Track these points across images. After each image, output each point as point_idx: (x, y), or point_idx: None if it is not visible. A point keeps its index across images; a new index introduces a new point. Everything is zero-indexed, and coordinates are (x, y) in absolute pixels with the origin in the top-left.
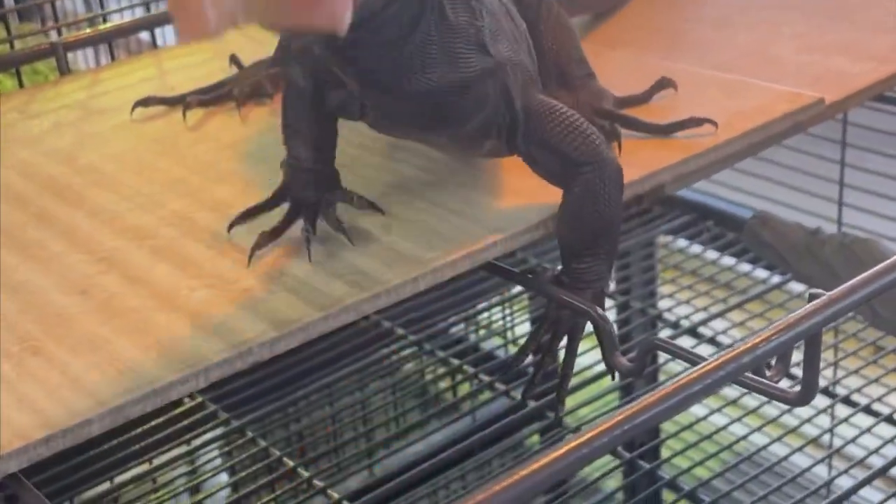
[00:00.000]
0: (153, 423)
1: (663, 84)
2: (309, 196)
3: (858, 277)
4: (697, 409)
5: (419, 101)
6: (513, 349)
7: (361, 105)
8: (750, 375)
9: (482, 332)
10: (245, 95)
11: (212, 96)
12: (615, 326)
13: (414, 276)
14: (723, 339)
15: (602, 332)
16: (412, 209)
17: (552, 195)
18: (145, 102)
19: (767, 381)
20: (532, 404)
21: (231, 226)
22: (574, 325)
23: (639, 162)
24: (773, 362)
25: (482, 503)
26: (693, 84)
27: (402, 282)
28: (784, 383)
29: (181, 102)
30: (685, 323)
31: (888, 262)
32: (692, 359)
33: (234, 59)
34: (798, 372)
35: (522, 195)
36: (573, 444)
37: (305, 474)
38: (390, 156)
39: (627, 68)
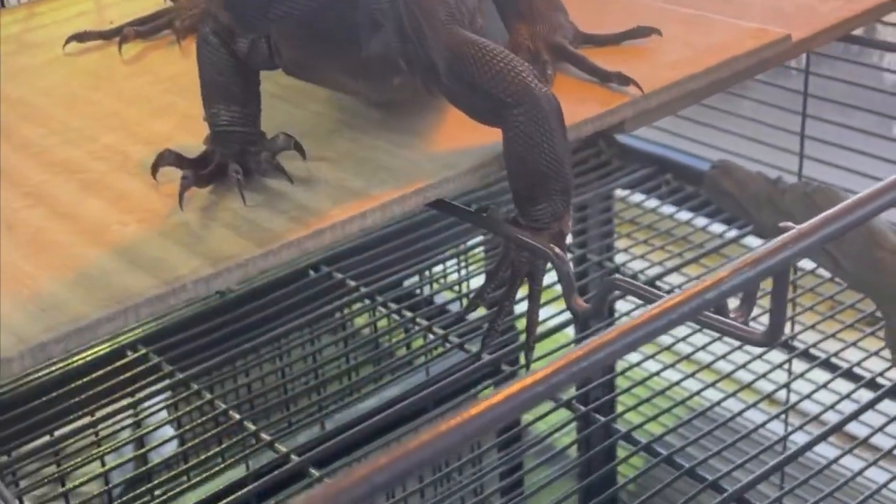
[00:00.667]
0: (94, 375)
1: (639, 32)
2: (235, 151)
3: (828, 211)
4: (652, 365)
5: (319, 27)
6: (467, 303)
7: (269, 48)
8: (713, 315)
9: (436, 285)
10: (185, 27)
11: (150, 27)
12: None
13: (362, 212)
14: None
15: (560, 274)
16: (361, 145)
17: None
18: (81, 37)
19: (732, 321)
20: (486, 357)
21: (155, 167)
22: (533, 268)
23: (599, 97)
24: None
25: (430, 443)
26: (657, 20)
27: (348, 217)
28: None
29: (118, 35)
30: (642, 277)
31: (858, 196)
32: (652, 298)
33: None
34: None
35: (477, 130)
36: (536, 377)
37: (252, 428)
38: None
39: (587, 4)
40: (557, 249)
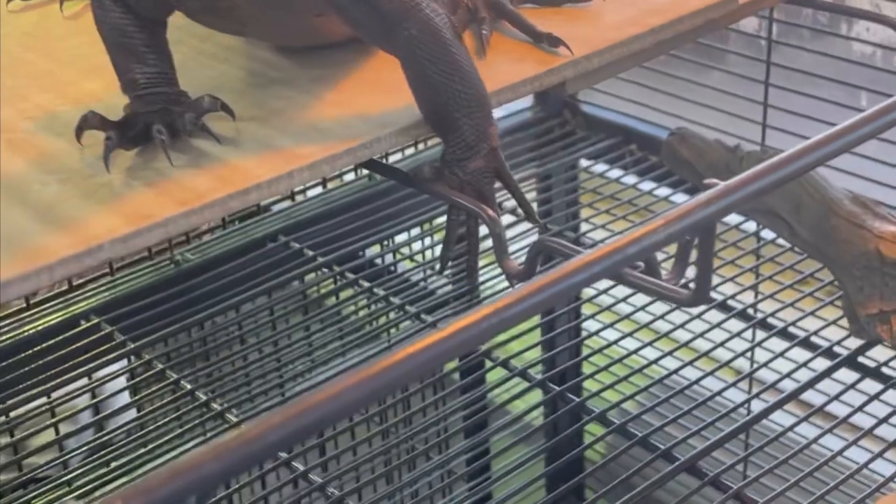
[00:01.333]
0: (45, 344)
1: None
2: (159, 111)
3: (755, 168)
4: (610, 334)
5: None
6: (429, 273)
7: None
8: (638, 274)
9: (397, 255)
10: None
11: None
12: (504, 228)
13: (289, 171)
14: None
15: (492, 234)
16: (292, 104)
17: None
18: None
19: (657, 280)
20: (441, 327)
21: (79, 130)
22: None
23: (538, 58)
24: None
25: (330, 399)
26: None
27: (275, 177)
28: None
29: None
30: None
31: (786, 153)
32: None
33: None
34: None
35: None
36: (442, 334)
37: (203, 398)
38: (274, 50)
39: None
40: (490, 211)
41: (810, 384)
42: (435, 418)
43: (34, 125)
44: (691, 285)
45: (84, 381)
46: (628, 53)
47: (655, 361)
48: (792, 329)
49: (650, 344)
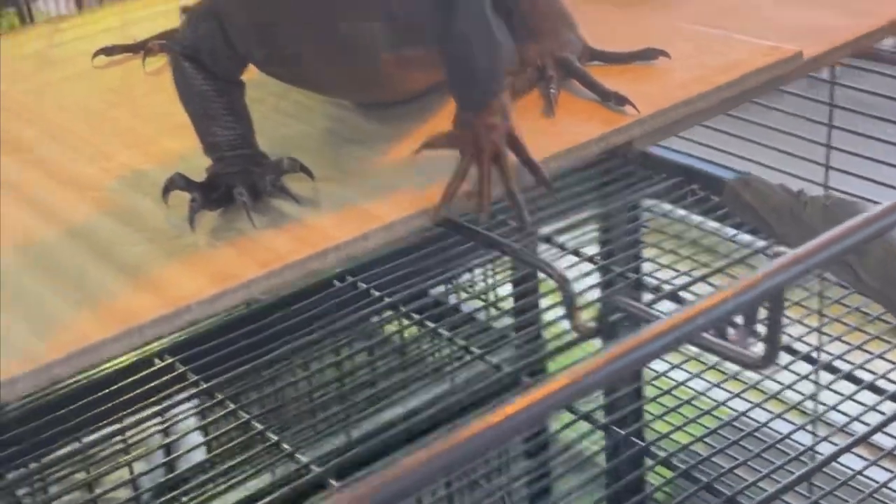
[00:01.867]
0: (121, 384)
1: (648, 54)
2: (240, 174)
3: (824, 235)
4: (677, 374)
5: None
6: (494, 312)
7: (233, 49)
8: (710, 337)
9: (463, 294)
10: None
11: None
12: (574, 287)
13: (364, 233)
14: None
15: (563, 295)
16: (369, 163)
17: None
18: (109, 51)
19: (727, 344)
20: (508, 369)
21: (165, 191)
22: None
23: (605, 117)
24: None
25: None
26: (668, 38)
27: (351, 238)
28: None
29: (143, 48)
30: (667, 287)
31: (856, 220)
32: (650, 319)
33: (185, 10)
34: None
35: None
36: (523, 403)
37: (273, 438)
38: (350, 108)
39: (601, 20)
40: (559, 270)
41: (879, 427)
42: (497, 462)
43: (118, 184)
44: (760, 332)
45: (158, 419)
46: (694, 110)
47: (723, 403)
48: (858, 372)
49: (717, 385)
